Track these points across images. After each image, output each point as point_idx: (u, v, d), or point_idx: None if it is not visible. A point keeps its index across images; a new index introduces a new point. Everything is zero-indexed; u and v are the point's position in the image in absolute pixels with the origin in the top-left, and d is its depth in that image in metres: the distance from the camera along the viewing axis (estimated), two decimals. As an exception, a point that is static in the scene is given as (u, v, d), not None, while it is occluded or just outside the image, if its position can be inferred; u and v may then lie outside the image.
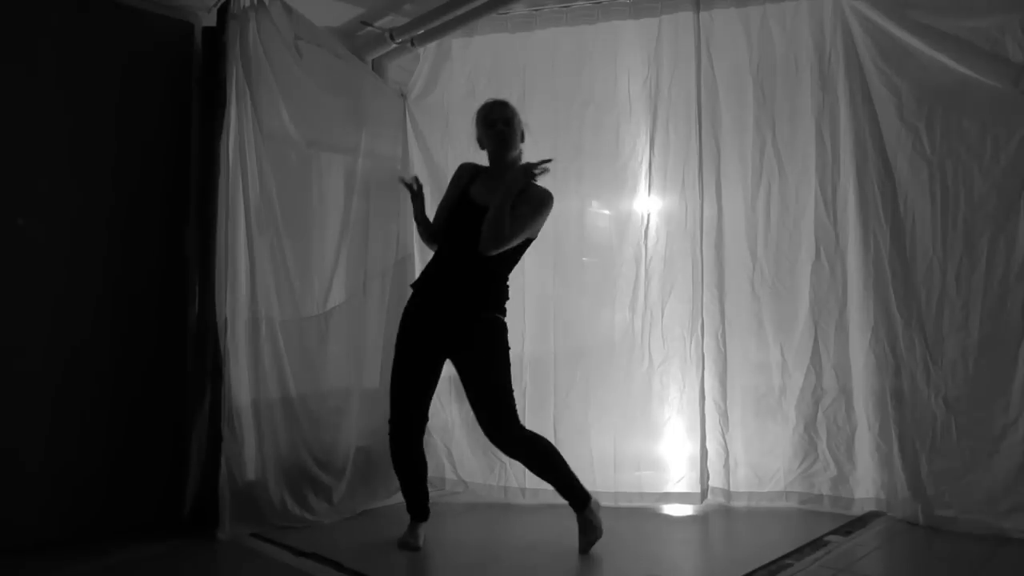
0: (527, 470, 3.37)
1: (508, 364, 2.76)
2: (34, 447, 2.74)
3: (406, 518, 2.89)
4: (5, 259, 2.70)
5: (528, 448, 2.78)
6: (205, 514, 2.87)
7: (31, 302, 2.75)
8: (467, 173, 2.89)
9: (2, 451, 2.66)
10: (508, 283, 2.82)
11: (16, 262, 2.72)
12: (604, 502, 3.27)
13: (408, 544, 2.80)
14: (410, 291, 3.60)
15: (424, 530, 2.87)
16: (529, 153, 2.87)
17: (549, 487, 3.33)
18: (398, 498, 3.43)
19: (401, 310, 2.88)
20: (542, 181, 2.70)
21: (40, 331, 2.77)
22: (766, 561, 2.55)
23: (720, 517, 3.17)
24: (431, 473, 3.57)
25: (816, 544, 2.74)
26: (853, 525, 2.96)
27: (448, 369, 3.57)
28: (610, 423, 3.28)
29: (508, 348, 2.78)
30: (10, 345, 2.70)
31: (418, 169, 3.69)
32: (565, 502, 2.81)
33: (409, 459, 2.87)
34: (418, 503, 2.89)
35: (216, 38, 3.01)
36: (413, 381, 2.82)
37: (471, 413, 3.48)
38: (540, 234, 2.84)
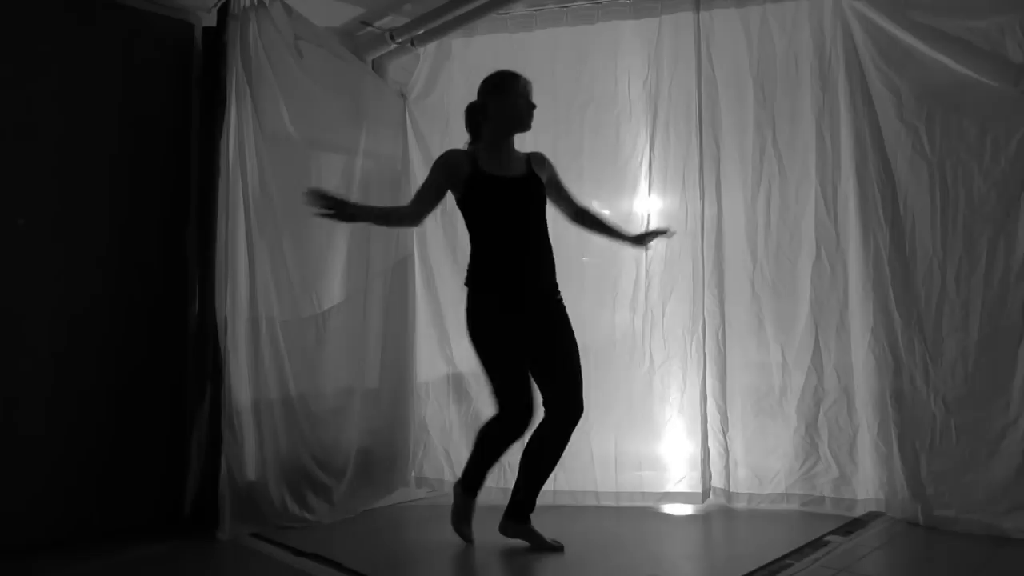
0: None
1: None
2: (34, 447, 2.74)
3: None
4: (5, 259, 2.70)
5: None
6: (205, 514, 2.87)
7: (30, 302, 2.75)
8: (464, 159, 2.73)
9: (3, 451, 2.66)
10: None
11: (16, 262, 2.72)
12: (605, 502, 3.29)
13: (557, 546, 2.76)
14: (412, 290, 3.64)
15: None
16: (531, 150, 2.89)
17: (548, 489, 3.34)
18: (398, 498, 3.45)
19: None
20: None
21: (40, 331, 2.77)
22: (766, 561, 2.55)
23: (720, 517, 3.17)
24: (430, 475, 3.59)
25: (816, 544, 2.74)
26: (853, 525, 2.96)
27: (446, 369, 3.60)
28: (611, 423, 3.28)
29: None
30: (10, 346, 2.70)
31: (418, 169, 3.69)
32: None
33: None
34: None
35: (216, 38, 3.01)
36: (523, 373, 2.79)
37: (470, 414, 3.51)
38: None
